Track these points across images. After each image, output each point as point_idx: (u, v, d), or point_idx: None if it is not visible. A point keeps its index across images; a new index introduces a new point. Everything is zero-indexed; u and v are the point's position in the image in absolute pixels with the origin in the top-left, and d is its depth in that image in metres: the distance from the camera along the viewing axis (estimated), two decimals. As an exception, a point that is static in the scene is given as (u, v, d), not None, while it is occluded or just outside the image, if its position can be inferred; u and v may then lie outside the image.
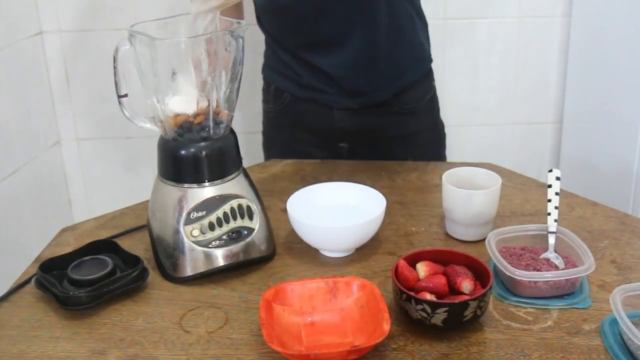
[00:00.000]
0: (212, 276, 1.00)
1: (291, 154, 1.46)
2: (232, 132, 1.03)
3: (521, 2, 1.95)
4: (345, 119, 1.41)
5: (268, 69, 1.49)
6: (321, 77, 1.37)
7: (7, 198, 1.79)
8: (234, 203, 1.00)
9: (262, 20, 1.41)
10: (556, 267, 0.97)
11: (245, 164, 1.07)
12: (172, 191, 0.99)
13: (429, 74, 1.46)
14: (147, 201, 1.08)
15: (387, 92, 1.39)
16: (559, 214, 1.02)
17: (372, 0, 1.29)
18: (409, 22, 1.37)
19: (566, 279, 0.92)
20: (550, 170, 1.05)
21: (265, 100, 1.52)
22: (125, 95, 1.01)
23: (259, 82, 2.07)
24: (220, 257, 0.99)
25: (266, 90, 1.51)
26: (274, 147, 1.54)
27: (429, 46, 1.46)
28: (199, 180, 0.99)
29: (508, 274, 0.91)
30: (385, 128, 1.43)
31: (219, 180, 1.00)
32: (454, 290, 0.88)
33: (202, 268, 0.99)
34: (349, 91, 1.38)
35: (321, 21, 1.30)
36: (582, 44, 1.90)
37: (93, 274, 0.95)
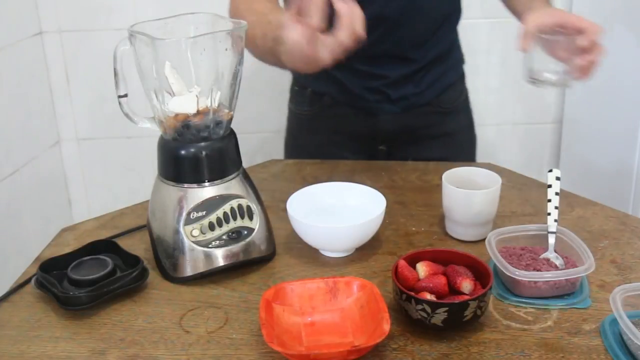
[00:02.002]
0: (212, 276, 1.00)
1: (323, 158, 1.44)
2: (232, 132, 1.03)
3: (521, 2, 1.94)
4: (388, 122, 1.40)
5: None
6: (368, 85, 1.37)
7: (7, 198, 1.79)
8: (234, 203, 1.00)
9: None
10: (556, 267, 0.97)
11: (245, 164, 1.07)
12: (172, 191, 0.99)
13: (463, 74, 1.49)
14: (147, 201, 1.08)
15: (430, 94, 1.40)
16: (559, 214, 1.02)
17: (447, 14, 1.34)
18: (455, 28, 1.42)
19: (566, 279, 0.92)
20: (550, 170, 1.05)
21: (297, 102, 1.49)
22: (125, 95, 1.01)
23: (259, 83, 2.07)
24: (220, 257, 0.99)
25: (299, 93, 1.47)
26: (305, 149, 1.49)
27: (461, 46, 1.49)
28: (199, 180, 0.99)
29: (508, 274, 0.91)
30: (426, 128, 1.42)
31: (219, 180, 1.00)
32: (454, 290, 0.88)
33: (202, 268, 0.99)
34: (395, 99, 1.38)
35: (397, 33, 1.30)
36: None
37: (93, 274, 0.95)
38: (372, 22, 1.27)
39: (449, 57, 1.42)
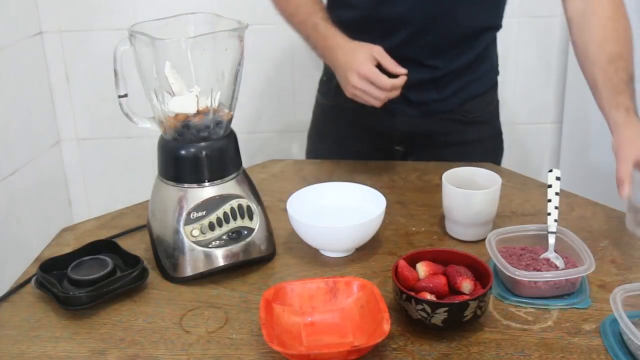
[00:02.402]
0: (212, 276, 1.00)
1: (343, 150, 1.44)
2: (232, 132, 1.03)
3: (521, 2, 1.95)
4: (406, 124, 1.39)
5: None
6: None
7: (7, 198, 1.79)
8: (234, 203, 1.00)
9: (352, 22, 1.34)
10: (556, 267, 0.97)
11: (245, 164, 1.07)
12: (172, 191, 0.99)
13: (495, 86, 1.45)
14: (147, 201, 1.08)
15: (453, 102, 1.38)
16: (559, 214, 1.02)
17: (482, 28, 1.33)
18: (490, 41, 1.39)
19: (566, 279, 0.92)
20: (550, 170, 1.05)
21: (323, 92, 1.49)
22: (125, 95, 1.01)
23: (259, 83, 2.07)
24: (220, 257, 0.99)
25: (326, 83, 1.47)
26: (326, 140, 1.50)
27: (497, 58, 1.45)
28: (199, 180, 0.99)
29: (508, 274, 0.91)
30: (445, 134, 1.41)
31: (219, 180, 1.00)
32: (454, 290, 0.88)
33: (202, 268, 0.99)
34: (414, 102, 1.37)
35: (422, 39, 1.29)
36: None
37: (93, 274, 0.95)
38: (396, 24, 1.27)
39: (479, 68, 1.38)
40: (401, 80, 1.19)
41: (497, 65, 1.45)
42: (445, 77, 1.35)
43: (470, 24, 1.30)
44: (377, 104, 1.21)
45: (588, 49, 1.16)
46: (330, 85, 1.45)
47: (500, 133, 1.50)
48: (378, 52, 1.20)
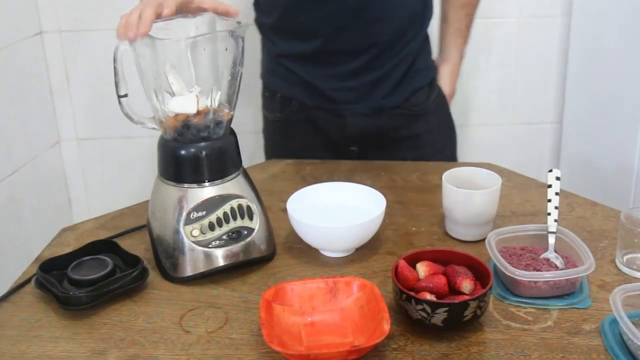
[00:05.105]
0: (212, 276, 1.00)
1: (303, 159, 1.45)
2: (232, 132, 1.03)
3: (521, 2, 1.95)
4: (357, 124, 1.41)
5: (270, 76, 1.48)
6: (337, 86, 1.38)
7: (7, 198, 1.79)
8: (234, 203, 1.00)
9: (270, 20, 1.40)
10: (556, 267, 0.97)
11: (245, 164, 1.07)
12: (172, 191, 0.99)
13: (434, 79, 1.49)
14: (147, 201, 1.08)
15: (399, 96, 1.40)
16: (559, 214, 1.02)
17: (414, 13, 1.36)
18: (423, 31, 1.43)
19: (566, 279, 0.92)
20: (550, 170, 1.05)
21: (269, 109, 1.50)
22: (125, 95, 1.01)
23: (259, 83, 2.07)
24: (220, 257, 0.99)
25: (270, 98, 1.49)
26: (284, 154, 1.50)
27: (431, 53, 1.50)
28: (199, 180, 0.99)
29: (508, 274, 0.91)
30: (396, 129, 1.43)
31: (219, 180, 1.00)
32: (454, 290, 0.88)
33: (202, 268, 0.99)
34: (364, 101, 1.39)
35: (353, 27, 1.31)
36: (582, 44, 1.90)
37: (93, 274, 0.95)
38: (336, 14, 1.28)
39: (419, 62, 1.42)
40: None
41: (433, 62, 1.50)
42: (390, 73, 1.37)
43: (402, 11, 1.34)
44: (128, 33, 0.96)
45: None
46: (274, 100, 1.47)
47: (450, 121, 1.54)
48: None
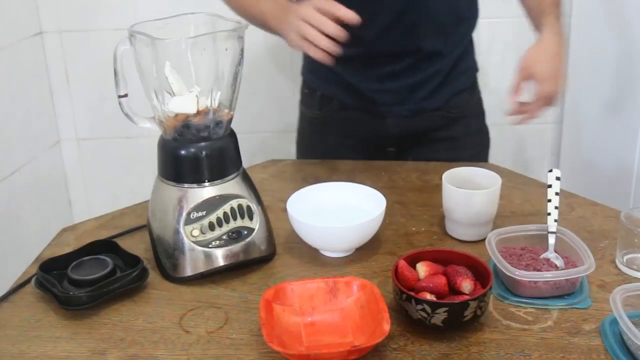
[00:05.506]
0: (212, 276, 1.00)
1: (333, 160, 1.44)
2: (232, 132, 1.03)
3: (521, 2, 1.94)
4: (396, 125, 1.40)
5: (312, 74, 1.47)
6: (378, 88, 1.37)
7: (7, 198, 1.79)
8: (234, 203, 1.00)
9: None
10: (556, 267, 0.97)
11: (245, 164, 1.07)
12: (172, 191, 0.99)
13: (476, 82, 1.48)
14: (147, 201, 1.08)
15: (440, 99, 1.40)
16: (559, 214, 1.02)
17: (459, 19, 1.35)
18: (468, 35, 1.42)
19: (566, 279, 0.92)
20: (550, 170, 1.05)
21: (308, 105, 1.49)
22: (125, 95, 1.01)
23: (259, 83, 2.07)
24: (220, 257, 0.99)
25: (309, 95, 1.48)
26: (316, 151, 1.50)
27: (475, 54, 1.48)
28: (199, 180, 0.99)
29: (508, 274, 0.91)
30: (434, 131, 1.43)
31: (219, 180, 1.00)
32: (454, 290, 0.88)
33: (202, 268, 0.99)
34: (404, 103, 1.38)
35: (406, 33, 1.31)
36: (582, 44, 1.90)
37: (93, 274, 0.95)
38: (377, 20, 1.28)
39: (462, 64, 1.41)
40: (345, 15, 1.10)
41: (476, 62, 1.48)
42: (432, 76, 1.37)
43: (445, 16, 1.33)
44: (319, 53, 1.11)
45: None
46: (314, 97, 1.46)
47: (485, 126, 1.53)
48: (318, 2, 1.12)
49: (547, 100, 1.20)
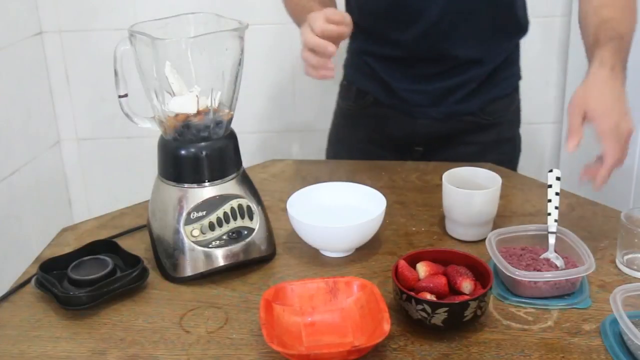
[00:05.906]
0: (212, 276, 1.00)
1: (361, 154, 1.45)
2: (232, 132, 1.03)
3: (521, 2, 1.94)
4: (427, 127, 1.40)
5: (351, 68, 1.48)
6: (412, 88, 1.37)
7: (7, 198, 1.79)
8: (234, 203, 1.00)
9: (369, 23, 1.36)
10: (556, 267, 0.97)
11: (245, 164, 1.07)
12: (172, 191, 0.99)
13: (517, 89, 1.47)
14: (147, 201, 1.08)
15: (475, 104, 1.39)
16: (559, 214, 1.02)
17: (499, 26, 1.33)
18: (512, 42, 1.41)
19: (566, 279, 0.92)
20: (551, 170, 1.05)
21: (344, 97, 1.51)
22: (125, 95, 1.01)
23: (259, 83, 2.07)
24: (220, 257, 0.99)
25: (347, 88, 1.49)
26: (346, 143, 1.51)
27: (519, 61, 1.46)
28: (199, 180, 0.99)
29: (508, 274, 0.91)
30: (465, 135, 1.42)
31: (219, 180, 1.00)
32: (454, 290, 0.88)
33: (202, 268, 0.99)
34: (437, 105, 1.38)
35: (441, 39, 1.30)
36: (582, 44, 1.89)
37: (93, 274, 0.95)
38: (411, 22, 1.28)
39: (502, 71, 1.39)
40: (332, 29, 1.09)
41: (519, 69, 1.46)
42: (469, 81, 1.36)
43: (484, 22, 1.31)
44: (315, 73, 1.13)
45: (587, 16, 1.19)
46: (350, 90, 1.47)
47: (518, 135, 1.51)
48: (315, 16, 1.11)
49: (616, 148, 1.08)
